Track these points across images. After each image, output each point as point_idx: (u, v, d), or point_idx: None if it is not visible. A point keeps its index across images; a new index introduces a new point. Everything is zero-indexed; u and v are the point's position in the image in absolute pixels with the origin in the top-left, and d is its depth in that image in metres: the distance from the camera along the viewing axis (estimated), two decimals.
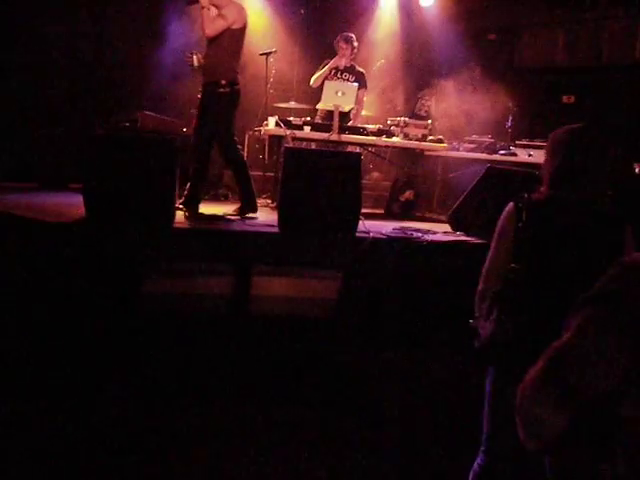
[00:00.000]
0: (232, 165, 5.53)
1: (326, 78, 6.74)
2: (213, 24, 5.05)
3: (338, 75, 6.84)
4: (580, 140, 2.17)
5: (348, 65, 6.86)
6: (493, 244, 2.29)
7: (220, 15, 5.07)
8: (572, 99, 8.09)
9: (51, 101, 7.27)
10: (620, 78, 7.68)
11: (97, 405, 3.46)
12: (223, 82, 5.13)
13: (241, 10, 5.19)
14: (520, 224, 2.17)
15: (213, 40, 5.12)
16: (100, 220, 4.20)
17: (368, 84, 7.02)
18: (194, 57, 5.26)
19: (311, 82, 6.90)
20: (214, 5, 5.12)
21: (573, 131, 2.20)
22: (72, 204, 4.92)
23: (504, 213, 2.27)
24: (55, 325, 3.92)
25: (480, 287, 2.30)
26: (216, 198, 6.70)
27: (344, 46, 6.76)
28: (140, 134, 6.31)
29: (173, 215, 4.35)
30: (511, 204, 2.25)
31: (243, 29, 5.21)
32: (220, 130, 5.19)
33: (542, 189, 2.24)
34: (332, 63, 6.79)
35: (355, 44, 6.85)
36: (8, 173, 6.54)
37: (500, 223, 2.28)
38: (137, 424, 3.32)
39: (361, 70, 6.95)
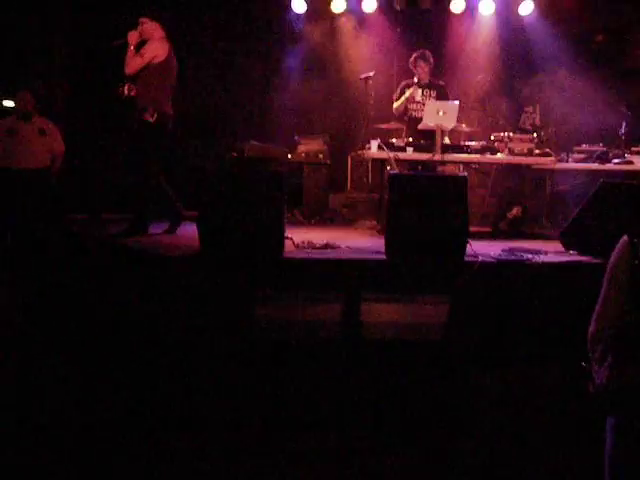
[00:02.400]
0: (139, 186, 5.49)
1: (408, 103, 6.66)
2: (132, 62, 5.37)
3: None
4: None
5: (426, 82, 6.73)
6: (605, 283, 2.12)
7: (138, 54, 5.38)
8: None
9: None
10: None
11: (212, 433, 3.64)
12: (150, 110, 5.34)
13: (163, 45, 5.44)
14: (636, 261, 1.99)
15: (137, 75, 5.41)
16: (214, 252, 4.42)
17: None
18: (124, 88, 5.43)
19: (394, 110, 6.82)
20: (144, 39, 5.43)
21: None
22: (182, 236, 5.28)
23: (617, 248, 2.09)
24: (171, 353, 4.16)
25: (592, 329, 2.13)
26: (322, 222, 6.84)
27: (423, 65, 6.63)
28: (248, 166, 6.57)
29: (282, 245, 4.49)
30: (624, 238, 2.06)
31: (164, 62, 5.43)
32: (147, 156, 5.38)
33: None
34: (411, 92, 6.63)
35: (432, 60, 6.68)
36: (121, 204, 6.97)
37: (612, 259, 2.10)
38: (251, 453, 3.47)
39: (441, 83, 6.82)
